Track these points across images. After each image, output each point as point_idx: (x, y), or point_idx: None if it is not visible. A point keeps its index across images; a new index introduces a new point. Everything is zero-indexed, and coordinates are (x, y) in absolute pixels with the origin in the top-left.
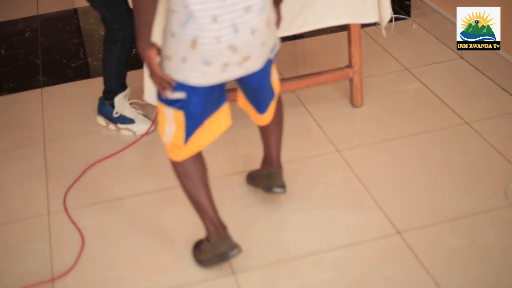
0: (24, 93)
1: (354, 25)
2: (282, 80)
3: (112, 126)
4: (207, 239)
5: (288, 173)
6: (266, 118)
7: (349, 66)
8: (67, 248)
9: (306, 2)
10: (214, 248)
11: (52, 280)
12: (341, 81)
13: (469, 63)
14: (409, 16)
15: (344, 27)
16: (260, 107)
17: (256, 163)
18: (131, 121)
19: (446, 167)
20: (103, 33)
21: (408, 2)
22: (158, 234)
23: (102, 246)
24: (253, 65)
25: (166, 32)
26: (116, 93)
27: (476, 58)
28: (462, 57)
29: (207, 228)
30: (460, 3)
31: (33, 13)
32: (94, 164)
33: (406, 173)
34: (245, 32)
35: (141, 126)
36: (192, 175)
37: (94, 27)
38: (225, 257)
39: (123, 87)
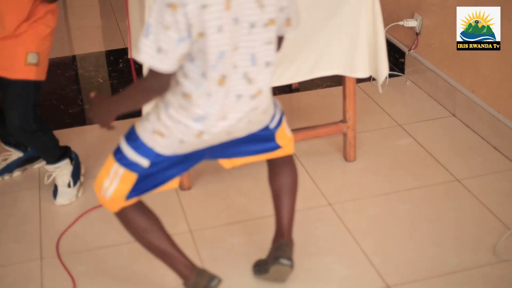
0: None
1: (349, 80)
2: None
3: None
4: (185, 284)
5: None
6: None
7: (343, 121)
8: None
9: (299, 52)
10: (195, 287)
11: None
12: (335, 136)
13: (461, 121)
14: (403, 73)
15: (339, 82)
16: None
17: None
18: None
19: (437, 223)
20: (101, 80)
21: (402, 60)
22: (152, 282)
23: None
24: (245, 130)
25: (165, 115)
26: None
27: (468, 116)
28: (454, 115)
29: (181, 273)
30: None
31: None
32: (89, 211)
33: (398, 228)
34: (243, 122)
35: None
36: (144, 223)
37: (92, 74)
38: None
39: None
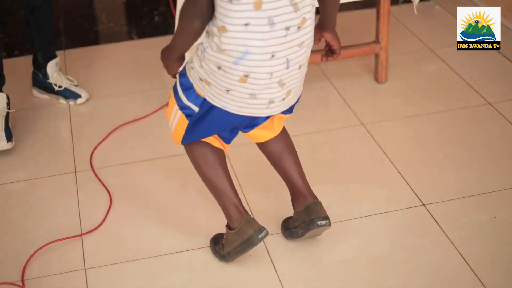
0: None
1: (384, 0)
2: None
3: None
4: (230, 227)
5: (312, 144)
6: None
7: (376, 41)
8: (95, 205)
9: None
10: (240, 234)
11: (81, 235)
12: (366, 58)
13: None
14: None
15: (373, 4)
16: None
17: None
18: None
19: (470, 144)
20: (124, 0)
21: None
22: (188, 196)
23: (130, 205)
24: (291, 100)
25: (207, 61)
26: None
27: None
28: None
29: (230, 214)
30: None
31: None
32: (122, 125)
33: (431, 149)
34: (294, 67)
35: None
36: (207, 156)
37: None
38: (253, 241)
39: None
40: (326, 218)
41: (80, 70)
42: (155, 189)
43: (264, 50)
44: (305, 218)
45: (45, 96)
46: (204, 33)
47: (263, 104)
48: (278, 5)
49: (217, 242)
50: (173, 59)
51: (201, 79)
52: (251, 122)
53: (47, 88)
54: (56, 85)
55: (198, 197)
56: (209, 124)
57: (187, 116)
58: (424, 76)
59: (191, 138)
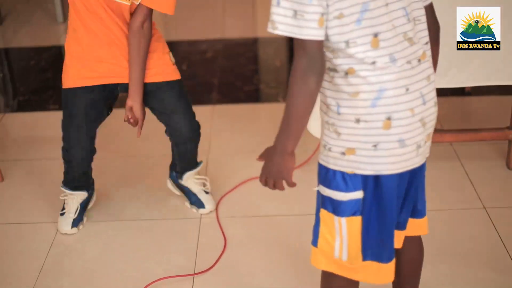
0: (197, 107)
1: None
2: (441, 131)
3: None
4: None
5: (432, 221)
6: (424, 224)
7: (510, 127)
8: (210, 249)
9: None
10: None
11: (193, 274)
12: (500, 142)
13: None
14: None
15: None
16: (420, 207)
17: None
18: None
19: None
20: (278, 65)
21: None
22: (301, 256)
23: (243, 254)
24: (427, 148)
25: (343, 122)
26: None
27: None
28: None
29: None
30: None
31: (217, 36)
32: (251, 179)
33: None
34: (430, 104)
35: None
36: None
37: (270, 57)
38: None
39: None
40: None
41: (225, 124)
42: (271, 244)
43: (398, 84)
44: None
45: (177, 192)
46: (317, 110)
47: (412, 151)
48: (395, 41)
49: None
50: (289, 151)
51: (343, 153)
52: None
53: (179, 186)
54: (190, 190)
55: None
56: (385, 205)
57: (355, 213)
58: None
59: (374, 245)
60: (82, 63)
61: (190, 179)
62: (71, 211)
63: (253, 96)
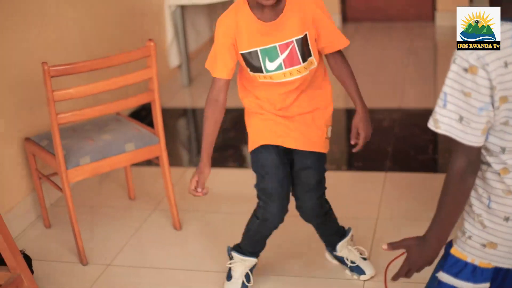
0: (369, 173)
1: None
2: None
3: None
4: None
5: None
6: None
7: None
8: None
9: None
10: None
11: None
12: None
13: None
14: None
15: None
16: None
17: None
18: None
19: None
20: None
21: None
22: None
23: None
24: None
25: (491, 217)
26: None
27: None
28: None
29: None
30: None
31: (395, 105)
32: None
33: None
34: None
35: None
36: None
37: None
38: None
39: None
40: None
41: (396, 192)
42: None
43: None
44: None
45: (335, 262)
46: None
47: None
48: None
49: None
50: (442, 246)
51: (484, 245)
52: None
53: (337, 257)
54: (347, 259)
55: None
56: None
57: None
58: None
59: None
60: None
61: (344, 249)
62: (239, 277)
63: (428, 165)
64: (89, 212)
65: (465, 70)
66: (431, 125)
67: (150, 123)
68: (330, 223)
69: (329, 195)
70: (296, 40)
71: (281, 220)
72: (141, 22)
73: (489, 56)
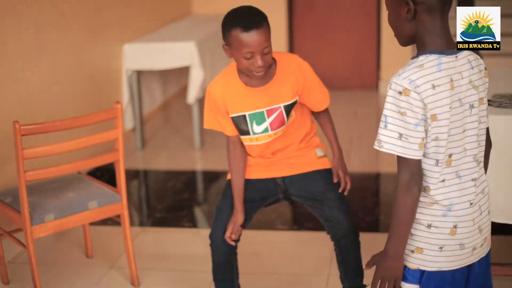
0: (319, 233)
1: None
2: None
3: None
4: None
5: None
6: None
7: None
8: None
9: None
10: None
11: None
12: None
13: None
14: None
15: None
16: None
17: None
18: None
19: None
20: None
21: None
22: None
23: None
24: (486, 248)
25: (416, 225)
26: None
27: None
28: None
29: None
30: None
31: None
32: None
33: None
34: (486, 213)
35: None
36: None
37: (391, 192)
38: None
39: None
40: None
41: None
42: None
43: (462, 200)
44: None
45: None
46: None
47: (468, 252)
48: (463, 161)
49: None
50: (401, 254)
51: (413, 251)
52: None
53: None
54: None
55: None
56: None
57: None
58: None
59: None
60: None
61: None
62: None
63: (375, 226)
64: (47, 270)
65: (400, 93)
66: (375, 145)
67: (107, 183)
68: (356, 250)
69: (281, 254)
70: (285, 105)
71: (225, 244)
72: (101, 85)
73: (419, 80)
